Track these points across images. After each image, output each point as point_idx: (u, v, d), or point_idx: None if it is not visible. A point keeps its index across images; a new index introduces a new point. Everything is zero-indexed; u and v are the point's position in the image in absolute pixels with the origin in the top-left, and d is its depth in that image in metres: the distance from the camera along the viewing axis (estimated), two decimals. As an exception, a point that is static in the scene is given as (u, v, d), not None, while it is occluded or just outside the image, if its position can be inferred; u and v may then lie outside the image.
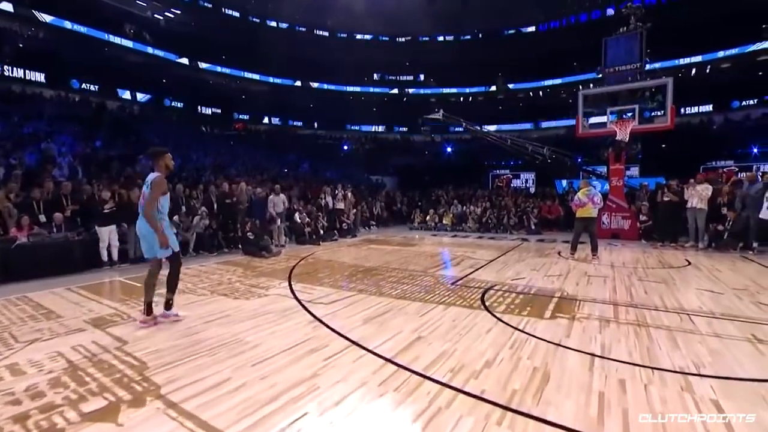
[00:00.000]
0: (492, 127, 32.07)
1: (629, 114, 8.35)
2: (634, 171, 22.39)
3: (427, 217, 13.48)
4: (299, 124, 36.09)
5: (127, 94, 25.21)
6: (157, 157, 3.87)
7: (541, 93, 37.06)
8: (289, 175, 19.05)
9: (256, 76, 35.54)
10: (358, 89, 39.80)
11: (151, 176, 3.77)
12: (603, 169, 22.77)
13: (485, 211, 12.63)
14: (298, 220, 10.77)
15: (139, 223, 3.81)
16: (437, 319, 3.95)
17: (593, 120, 9.39)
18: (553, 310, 4.20)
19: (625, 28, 9.07)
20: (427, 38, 42.69)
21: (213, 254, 8.49)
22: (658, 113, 8.17)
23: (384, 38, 42.42)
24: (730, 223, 8.07)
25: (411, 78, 42.34)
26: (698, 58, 29.98)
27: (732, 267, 6.54)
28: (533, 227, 11.77)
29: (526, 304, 4.44)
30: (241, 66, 34.56)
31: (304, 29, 39.90)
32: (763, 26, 28.00)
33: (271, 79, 36.16)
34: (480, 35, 41.21)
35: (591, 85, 9.33)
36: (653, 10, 28.11)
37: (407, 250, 8.90)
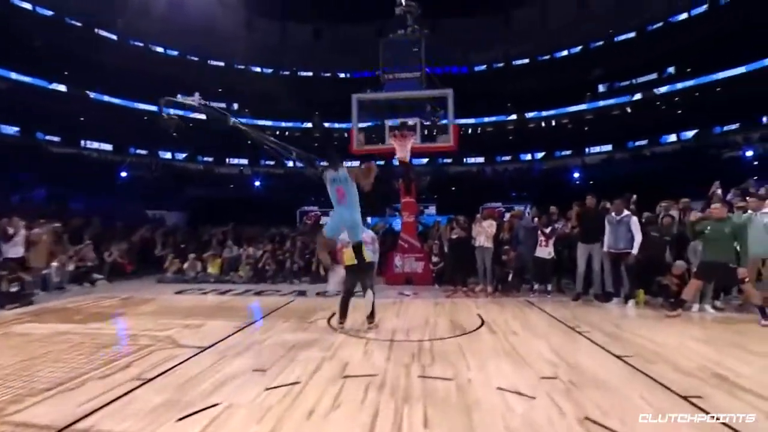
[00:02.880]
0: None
1: (410, 129, 6.84)
2: (432, 209, 23.54)
3: (185, 265, 9.42)
4: (56, 139, 26.28)
5: None
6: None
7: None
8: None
9: (-16, 68, 24.64)
10: (154, 108, 32.44)
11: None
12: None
13: (263, 255, 9.45)
14: None
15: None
16: None
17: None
18: None
19: (403, 31, 7.89)
20: (243, 66, 39.07)
21: None
22: (442, 132, 6.95)
23: (193, 57, 36.71)
24: (512, 262, 7.09)
25: (224, 105, 37.32)
26: (472, 120, 35.52)
27: (524, 321, 5.06)
28: (323, 273, 9.16)
29: None
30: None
31: (79, 24, 30.68)
32: (508, 104, 35.38)
33: (13, 75, 25.70)
34: (299, 73, 40.09)
35: (368, 90, 7.52)
36: (444, 80, 32.95)
37: (75, 334, 4.76)
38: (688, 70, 28.54)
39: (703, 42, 27.33)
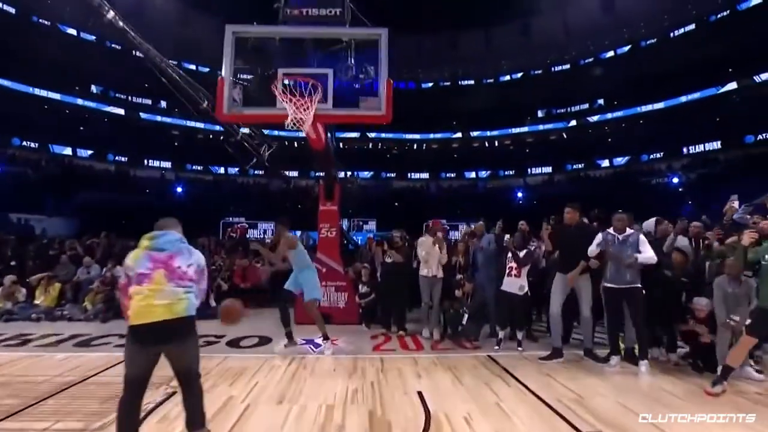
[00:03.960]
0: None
1: (315, 86, 3.91)
2: (372, 225, 21.41)
3: (-3, 292, 6.18)
4: None
5: None
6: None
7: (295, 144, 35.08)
8: None
9: None
10: (57, 96, 27.27)
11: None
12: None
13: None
14: None
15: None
16: None
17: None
18: None
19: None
20: (175, 62, 34.74)
21: None
22: (367, 96, 4.48)
23: (114, 46, 31.69)
24: (468, 297, 5.00)
25: (149, 102, 32.64)
26: (417, 136, 34.51)
27: (495, 412, 2.90)
28: (211, 304, 6.46)
29: None
30: None
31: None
32: (454, 123, 34.93)
33: None
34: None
35: (254, 23, 4.95)
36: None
37: None
38: (615, 102, 29.95)
39: (627, 78, 28.86)
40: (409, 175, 32.76)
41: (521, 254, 4.50)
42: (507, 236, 5.33)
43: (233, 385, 3.41)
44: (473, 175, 32.68)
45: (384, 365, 4.05)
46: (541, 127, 32.77)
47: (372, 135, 34.73)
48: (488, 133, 34.28)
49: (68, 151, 25.58)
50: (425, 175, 32.71)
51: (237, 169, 31.06)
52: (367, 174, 31.59)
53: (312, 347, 4.65)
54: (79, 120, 27.43)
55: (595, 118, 30.38)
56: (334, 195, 5.91)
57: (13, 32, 24.69)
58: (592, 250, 4.07)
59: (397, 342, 4.95)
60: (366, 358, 4.30)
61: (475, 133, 34.48)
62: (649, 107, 27.43)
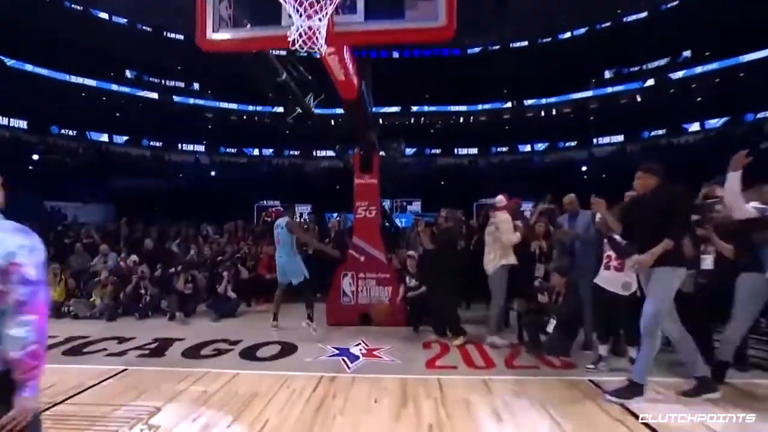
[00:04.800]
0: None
1: None
2: (417, 206, 20.30)
3: None
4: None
5: None
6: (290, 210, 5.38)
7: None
8: None
9: None
10: (93, 83, 28.43)
11: (283, 220, 4.79)
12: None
13: (131, 271, 6.00)
14: None
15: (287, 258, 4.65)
16: None
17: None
18: None
19: None
20: (182, 35, 35.18)
21: None
22: (417, 1, 3.15)
23: (146, 28, 32.44)
24: (557, 297, 3.84)
25: (182, 85, 33.26)
26: (463, 108, 32.57)
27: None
28: (230, 296, 5.82)
29: None
30: None
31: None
32: (504, 91, 32.36)
33: None
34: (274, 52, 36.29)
35: None
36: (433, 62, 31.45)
37: None
38: (706, 53, 26.06)
39: (723, 22, 24.82)
40: (455, 150, 31.13)
41: (622, 241, 3.20)
42: (598, 216, 3.99)
43: (235, 423, 2.58)
44: (528, 148, 30.35)
45: (444, 392, 3.05)
46: (609, 89, 29.53)
47: (414, 109, 33.25)
48: (544, 101, 31.55)
49: (105, 137, 26.68)
50: (473, 151, 30.90)
51: (271, 150, 31.09)
52: (409, 151, 30.35)
53: (346, 360, 3.76)
54: (114, 106, 28.48)
55: (680, 74, 26.73)
56: (373, 166, 4.91)
57: (47, 19, 25.76)
58: (744, 208, 2.77)
59: (458, 353, 3.93)
60: (418, 379, 3.32)
61: (529, 102, 31.91)
62: (753, 56, 23.49)
